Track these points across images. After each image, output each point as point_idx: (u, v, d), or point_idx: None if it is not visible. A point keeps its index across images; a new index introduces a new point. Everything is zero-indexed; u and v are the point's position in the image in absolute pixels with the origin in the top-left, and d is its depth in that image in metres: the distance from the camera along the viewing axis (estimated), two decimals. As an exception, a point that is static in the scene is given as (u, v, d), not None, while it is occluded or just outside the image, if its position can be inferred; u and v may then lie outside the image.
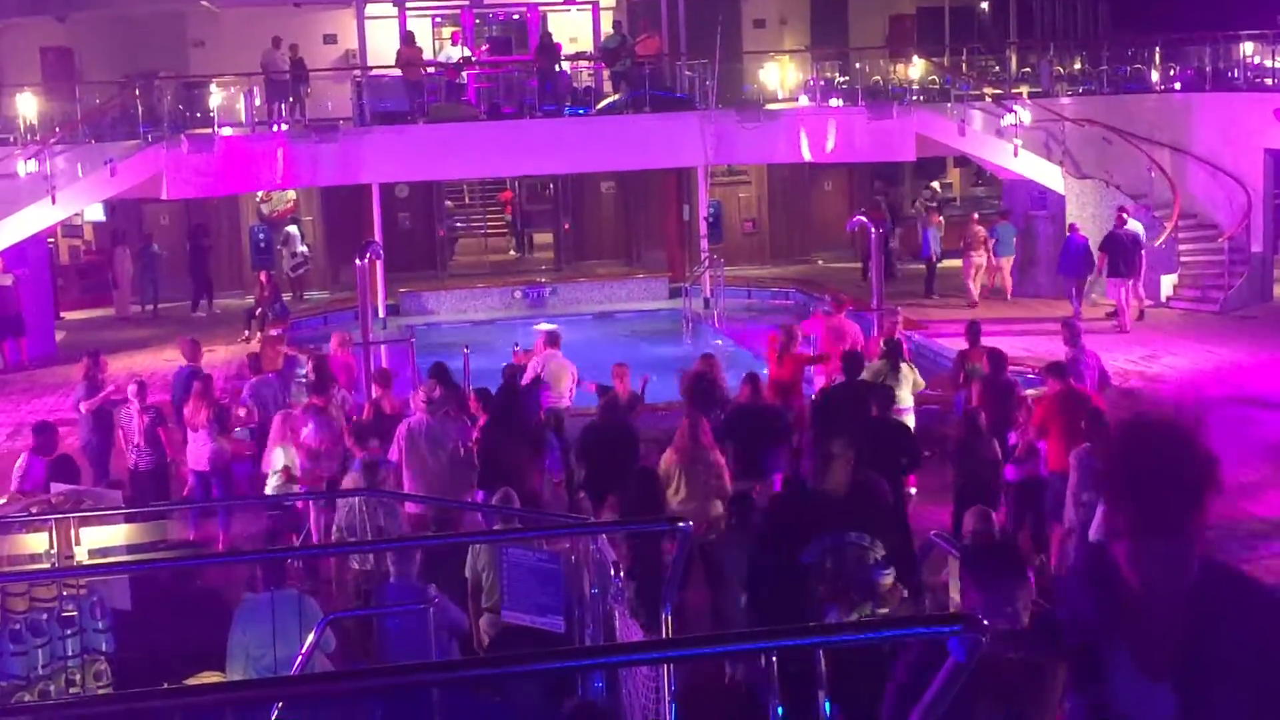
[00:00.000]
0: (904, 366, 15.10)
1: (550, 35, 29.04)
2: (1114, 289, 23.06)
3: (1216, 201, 25.15)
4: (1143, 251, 23.08)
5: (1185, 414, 3.41)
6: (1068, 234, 24.14)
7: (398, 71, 28.57)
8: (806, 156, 28.10)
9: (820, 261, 32.02)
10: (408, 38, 28.56)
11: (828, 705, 7.10)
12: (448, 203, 33.19)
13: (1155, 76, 28.23)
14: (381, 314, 26.45)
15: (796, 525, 8.12)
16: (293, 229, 30.26)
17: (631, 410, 14.29)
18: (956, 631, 3.68)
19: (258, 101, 27.06)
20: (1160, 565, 3.34)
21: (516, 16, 32.87)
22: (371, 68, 28.58)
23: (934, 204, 31.60)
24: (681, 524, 6.73)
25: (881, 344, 15.87)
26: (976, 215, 27.74)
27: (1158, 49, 28.41)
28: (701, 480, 11.78)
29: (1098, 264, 23.24)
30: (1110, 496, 3.43)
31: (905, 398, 14.76)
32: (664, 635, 7.06)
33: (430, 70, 28.75)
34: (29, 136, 25.12)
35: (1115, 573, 3.42)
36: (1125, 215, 23.16)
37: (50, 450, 12.79)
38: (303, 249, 30.14)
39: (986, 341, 16.06)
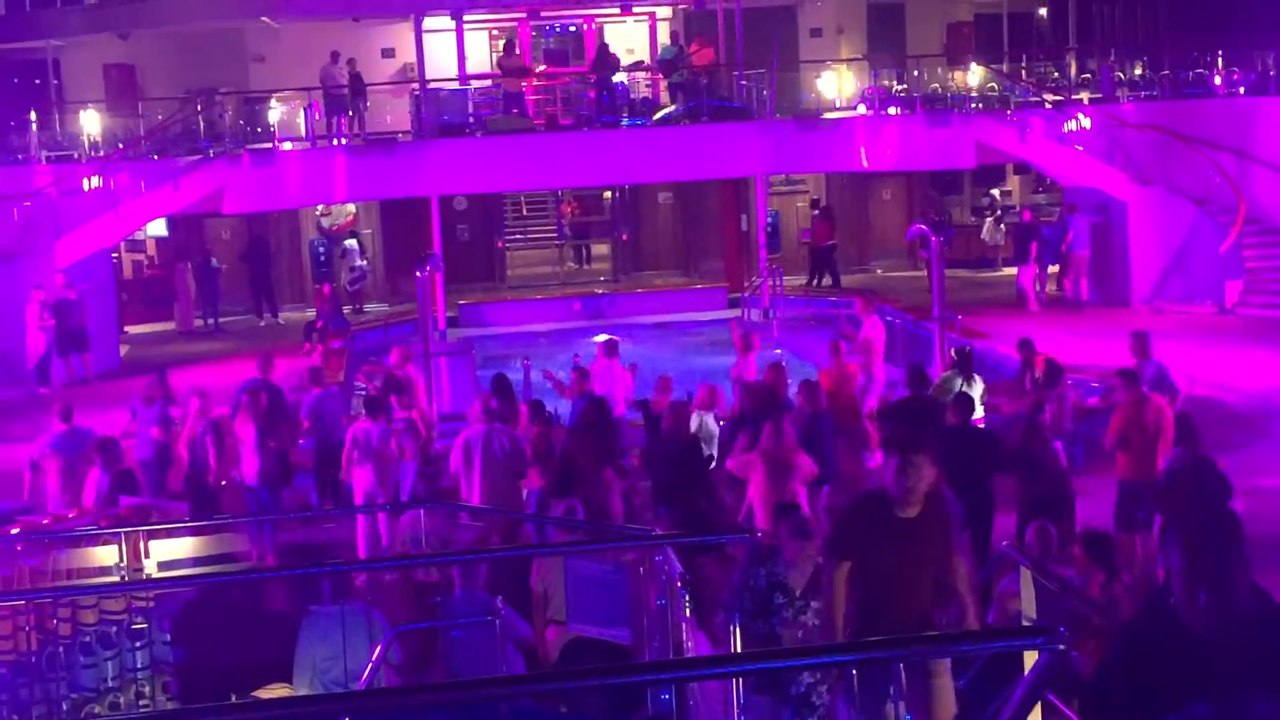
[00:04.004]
0: (976, 376, 15.06)
1: (607, 46, 29.09)
2: (1023, 274, 25.76)
3: (1282, 206, 24.81)
4: (1055, 239, 25.44)
5: None
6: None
7: (455, 84, 28.72)
8: (865, 165, 27.99)
9: (879, 271, 31.83)
10: (509, 48, 28.86)
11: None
12: (506, 214, 33.28)
13: (1218, 80, 27.88)
14: (441, 326, 26.50)
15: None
16: (351, 243, 30.50)
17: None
18: (1038, 645, 3.64)
19: (317, 116, 27.28)
20: None
21: (574, 28, 32.95)
22: (430, 81, 28.72)
23: (993, 211, 31.43)
24: (748, 534, 6.69)
25: (953, 353, 15.82)
26: (1020, 219, 27.89)
27: (1220, 53, 28.07)
28: (783, 481, 11.88)
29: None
30: None
31: (978, 408, 14.72)
32: (732, 648, 7.02)
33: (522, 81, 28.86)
34: (93, 153, 25.47)
35: None
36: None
37: (114, 465, 12.95)
38: (361, 263, 30.37)
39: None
